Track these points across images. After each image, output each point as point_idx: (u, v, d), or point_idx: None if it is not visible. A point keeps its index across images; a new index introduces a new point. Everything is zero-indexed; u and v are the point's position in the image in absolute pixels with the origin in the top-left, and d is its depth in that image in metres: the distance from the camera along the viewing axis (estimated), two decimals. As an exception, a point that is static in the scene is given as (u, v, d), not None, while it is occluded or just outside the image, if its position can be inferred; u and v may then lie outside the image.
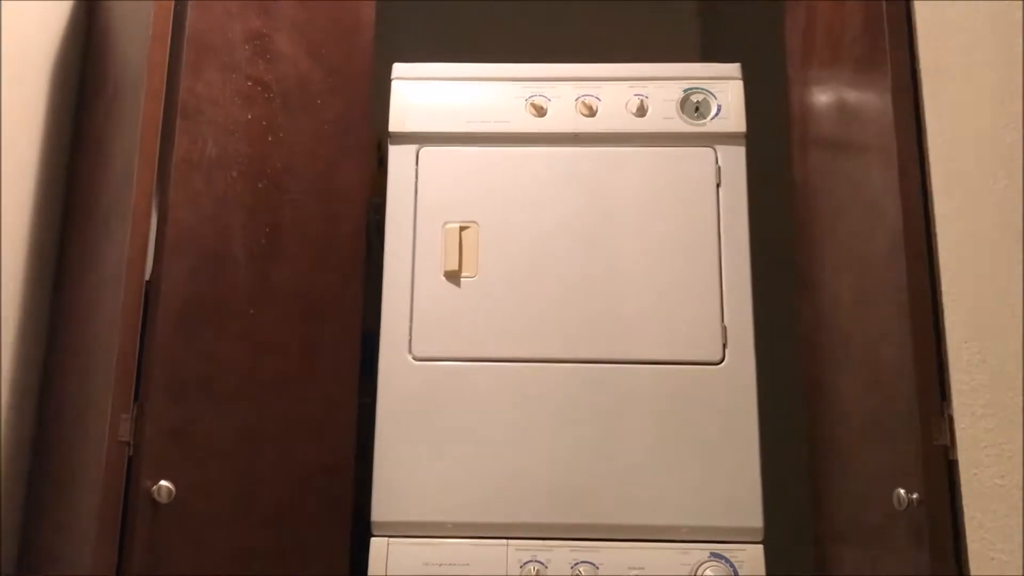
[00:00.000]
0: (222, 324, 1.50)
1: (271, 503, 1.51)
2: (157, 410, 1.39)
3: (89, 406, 1.42)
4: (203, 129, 1.52)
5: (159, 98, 1.47)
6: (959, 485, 1.22)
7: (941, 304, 1.28)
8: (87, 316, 1.50)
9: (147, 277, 1.42)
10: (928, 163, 1.35)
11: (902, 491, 1.25)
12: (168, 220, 1.45)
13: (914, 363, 1.27)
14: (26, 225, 1.56)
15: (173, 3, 1.51)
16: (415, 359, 1.74)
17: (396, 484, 1.68)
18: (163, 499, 1.35)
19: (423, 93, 1.87)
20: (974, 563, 1.15)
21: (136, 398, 1.38)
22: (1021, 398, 1.22)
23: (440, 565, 1.64)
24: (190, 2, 1.52)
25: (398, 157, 1.84)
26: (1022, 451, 1.21)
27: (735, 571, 1.61)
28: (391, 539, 1.66)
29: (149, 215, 1.43)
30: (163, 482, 1.36)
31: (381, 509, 1.67)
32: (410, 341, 1.75)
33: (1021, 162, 1.30)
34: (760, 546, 1.64)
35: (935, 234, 1.30)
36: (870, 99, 1.49)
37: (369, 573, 1.63)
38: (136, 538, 1.35)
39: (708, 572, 1.61)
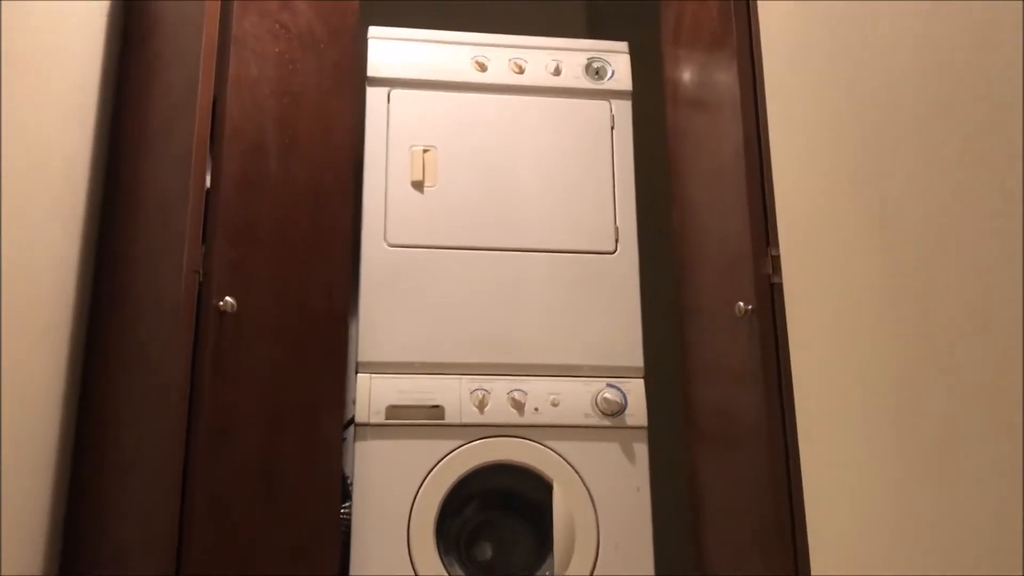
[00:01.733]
0: (259, 196, 2.02)
1: (291, 333, 2.02)
2: (219, 250, 1.90)
3: (164, 251, 1.90)
4: (247, 55, 2.04)
5: (215, 33, 1.97)
6: (777, 300, 1.88)
7: (765, 190, 1.95)
8: (151, 190, 1.97)
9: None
10: (759, 111, 2.03)
11: (741, 304, 1.90)
12: (226, 117, 1.96)
13: (750, 225, 1.93)
14: (89, 134, 2.00)
15: (224, -39, 2.02)
16: (389, 245, 2.30)
17: (376, 334, 2.23)
18: (229, 309, 1.86)
19: (393, 50, 2.44)
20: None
21: (203, 241, 1.88)
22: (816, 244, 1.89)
23: (411, 393, 2.19)
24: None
25: (374, 96, 2.40)
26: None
27: (624, 396, 2.25)
28: (373, 375, 2.20)
29: (210, 114, 1.94)
30: (228, 298, 1.86)
31: (366, 351, 2.22)
32: (385, 231, 2.30)
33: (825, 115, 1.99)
34: (642, 380, 2.28)
35: (765, 149, 1.97)
36: (721, 67, 2.17)
37: (358, 400, 2.17)
38: (207, 342, 1.84)
39: (606, 395, 2.23)
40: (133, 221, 1.99)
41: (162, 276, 1.88)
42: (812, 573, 1.66)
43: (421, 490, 2.14)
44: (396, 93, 2.40)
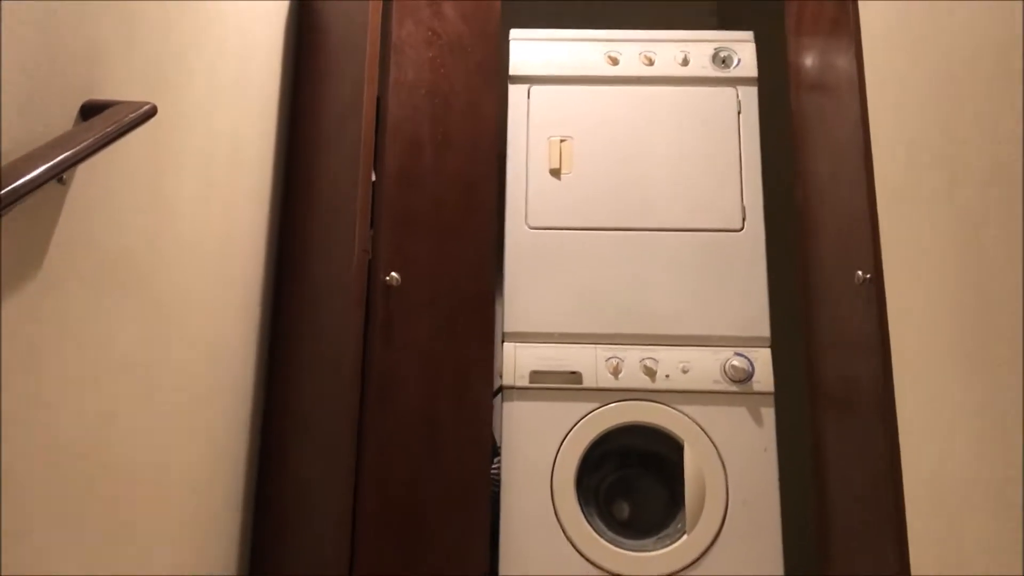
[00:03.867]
0: (418, 186, 2.29)
1: (446, 306, 2.29)
2: (384, 234, 2.17)
3: (337, 235, 2.19)
4: (405, 61, 2.32)
5: (377, 42, 2.25)
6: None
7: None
8: (325, 183, 2.27)
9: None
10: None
11: (860, 272, 2.03)
12: (388, 117, 2.24)
13: (867, 196, 2.06)
14: (272, 134, 2.32)
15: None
16: (530, 228, 2.53)
17: (520, 308, 2.47)
18: (395, 283, 2.13)
19: (532, 49, 2.67)
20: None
21: (371, 226, 2.16)
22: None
23: (551, 360, 2.42)
24: (395, -22, 2.32)
25: (515, 93, 2.64)
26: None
27: (751, 364, 2.40)
28: (517, 344, 2.44)
29: (374, 114, 2.22)
30: (394, 273, 2.14)
31: (510, 323, 2.46)
32: (526, 215, 2.54)
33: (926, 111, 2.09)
34: (768, 349, 2.42)
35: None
36: (840, 53, 2.29)
37: (504, 366, 2.41)
38: (376, 312, 2.12)
39: (734, 362, 2.39)
40: (310, 210, 2.29)
41: (336, 256, 2.17)
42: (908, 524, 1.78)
43: (562, 448, 2.36)
44: (535, 89, 2.63)
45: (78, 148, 1.18)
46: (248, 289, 2.12)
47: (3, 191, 0.99)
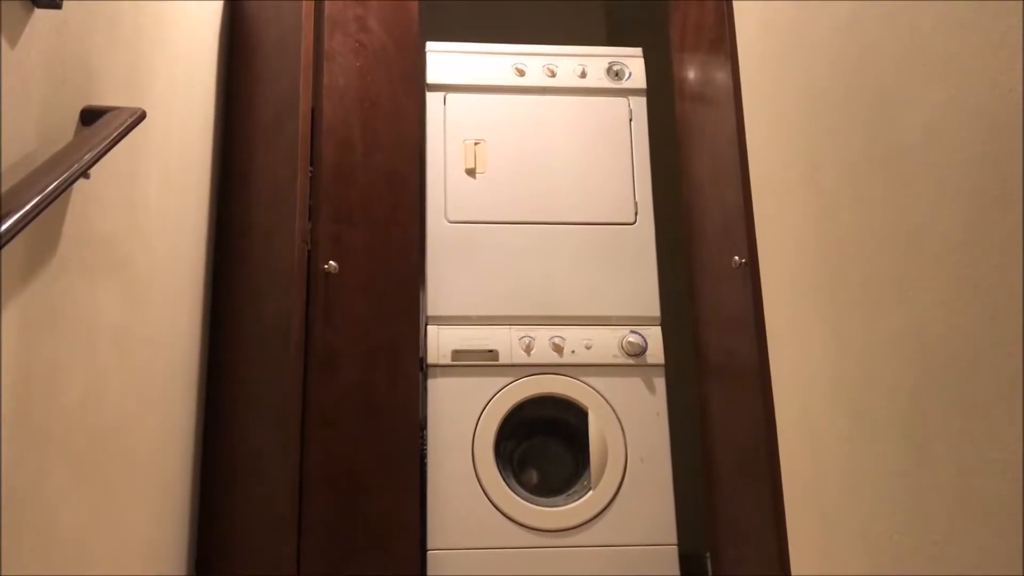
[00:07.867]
0: (350, 182, 2.53)
1: (377, 291, 2.53)
2: (322, 226, 2.41)
3: (277, 225, 2.40)
4: (336, 69, 2.55)
5: (310, 50, 2.48)
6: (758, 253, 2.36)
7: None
8: (264, 176, 2.48)
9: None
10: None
11: (736, 257, 2.39)
12: (323, 118, 2.47)
13: (742, 195, 2.42)
14: (210, 135, 2.51)
15: (314, 2, 2.53)
16: (449, 221, 2.80)
17: (441, 293, 2.73)
18: (333, 271, 2.37)
19: (447, 61, 2.95)
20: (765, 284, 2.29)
21: (309, 219, 2.39)
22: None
23: (471, 340, 2.70)
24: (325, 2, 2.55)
25: (433, 99, 2.91)
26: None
27: (644, 340, 2.74)
28: (440, 326, 2.71)
29: (310, 117, 2.44)
30: (332, 262, 2.38)
31: (433, 307, 2.72)
32: (445, 210, 2.81)
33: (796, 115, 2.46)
34: (659, 327, 2.77)
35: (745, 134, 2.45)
36: (718, 68, 2.65)
37: (428, 346, 2.68)
38: (317, 296, 2.35)
39: (630, 339, 2.72)
40: (249, 200, 2.50)
41: (277, 245, 2.38)
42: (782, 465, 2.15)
43: (481, 417, 2.64)
44: (451, 96, 2.91)
45: (100, 148, 1.39)
46: (194, 269, 2.31)
47: (68, 173, 1.20)
